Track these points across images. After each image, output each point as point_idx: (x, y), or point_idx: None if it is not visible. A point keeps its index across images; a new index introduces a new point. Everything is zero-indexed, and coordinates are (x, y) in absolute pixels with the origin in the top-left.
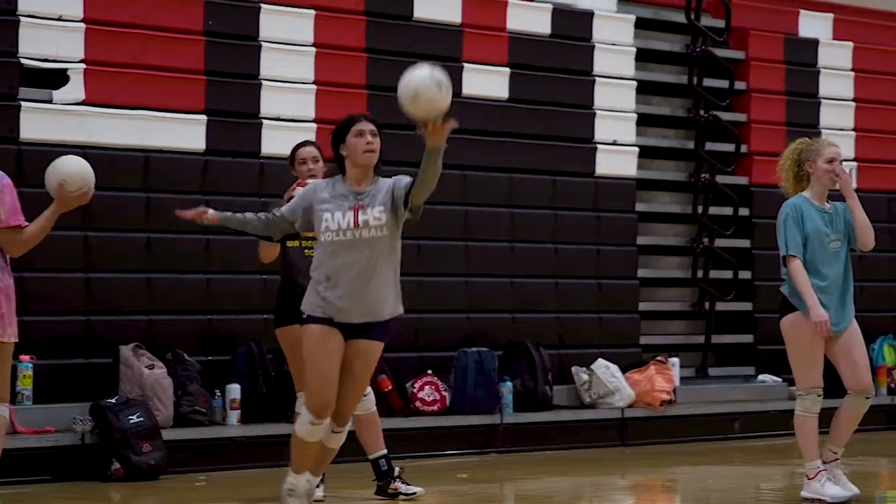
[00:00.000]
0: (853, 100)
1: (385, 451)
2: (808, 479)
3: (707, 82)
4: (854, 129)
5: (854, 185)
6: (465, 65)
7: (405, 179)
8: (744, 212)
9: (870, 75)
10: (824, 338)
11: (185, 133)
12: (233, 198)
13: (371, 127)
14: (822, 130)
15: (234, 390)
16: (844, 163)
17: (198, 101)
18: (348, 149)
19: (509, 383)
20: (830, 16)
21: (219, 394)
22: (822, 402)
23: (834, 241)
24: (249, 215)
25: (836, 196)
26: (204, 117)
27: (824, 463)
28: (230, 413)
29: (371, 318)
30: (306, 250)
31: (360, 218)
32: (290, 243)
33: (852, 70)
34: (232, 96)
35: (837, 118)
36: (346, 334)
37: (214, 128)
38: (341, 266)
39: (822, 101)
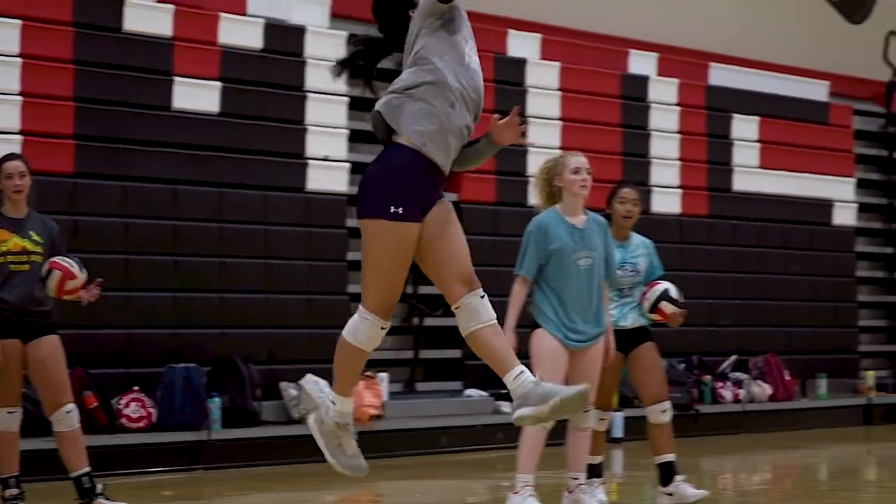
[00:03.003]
0: (560, 119)
1: (88, 469)
2: (514, 493)
3: None
4: (561, 148)
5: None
6: (176, 78)
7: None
8: None
9: (576, 95)
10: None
11: None
12: None
13: None
14: (530, 149)
15: None
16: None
17: None
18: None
19: (217, 399)
20: (538, 36)
21: None
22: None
23: (583, 257)
24: None
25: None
26: None
27: (568, 492)
28: None
29: None
30: (11, 265)
31: None
32: None
33: (559, 89)
34: None
35: (545, 137)
36: None
37: None
38: None
39: (531, 119)
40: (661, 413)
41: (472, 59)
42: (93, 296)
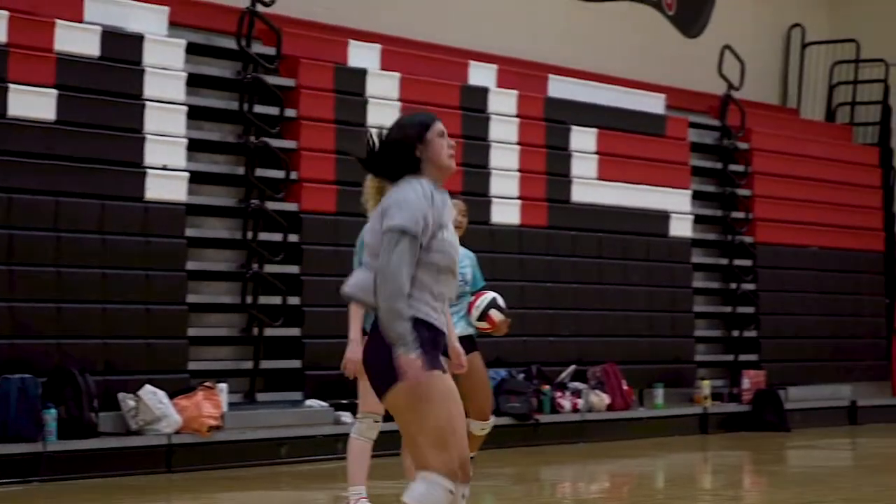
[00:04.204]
0: None
1: None
2: None
3: (258, 109)
4: None
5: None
6: (11, 85)
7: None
8: (293, 238)
9: (416, 105)
10: (349, 376)
11: None
12: None
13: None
14: None
15: None
16: None
17: None
18: (431, 149)
19: (53, 410)
20: (378, 46)
21: None
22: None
23: None
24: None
25: None
26: None
27: None
28: None
29: None
30: None
31: None
32: None
33: (399, 100)
34: None
35: None
36: None
37: None
38: None
39: (371, 129)
40: (481, 429)
41: (449, 232)
42: None
